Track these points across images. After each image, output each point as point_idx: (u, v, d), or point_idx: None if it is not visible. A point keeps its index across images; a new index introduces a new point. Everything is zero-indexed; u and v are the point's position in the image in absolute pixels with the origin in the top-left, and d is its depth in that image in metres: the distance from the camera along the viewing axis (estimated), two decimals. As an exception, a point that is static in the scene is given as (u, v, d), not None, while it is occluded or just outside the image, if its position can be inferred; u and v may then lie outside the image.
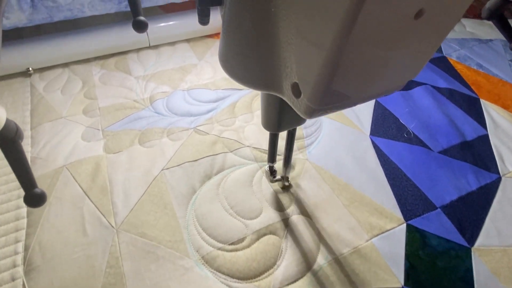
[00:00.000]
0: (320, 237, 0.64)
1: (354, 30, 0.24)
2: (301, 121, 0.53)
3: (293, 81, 0.32)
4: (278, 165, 0.73)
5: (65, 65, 1.04)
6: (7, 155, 0.40)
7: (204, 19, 0.47)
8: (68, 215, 0.66)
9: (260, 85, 0.37)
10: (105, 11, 0.96)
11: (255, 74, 0.36)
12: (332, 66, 0.27)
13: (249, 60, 0.36)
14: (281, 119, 0.49)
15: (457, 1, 0.28)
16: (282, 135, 0.62)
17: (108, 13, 0.98)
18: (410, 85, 1.03)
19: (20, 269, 0.59)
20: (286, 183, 0.72)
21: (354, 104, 0.35)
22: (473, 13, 1.42)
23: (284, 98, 0.36)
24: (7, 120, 0.37)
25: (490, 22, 1.39)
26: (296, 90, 0.32)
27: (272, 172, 0.67)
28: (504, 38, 1.27)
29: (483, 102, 1.00)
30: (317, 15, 0.25)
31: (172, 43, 1.16)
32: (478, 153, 0.84)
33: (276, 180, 0.70)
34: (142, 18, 0.57)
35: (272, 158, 0.64)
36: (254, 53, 0.34)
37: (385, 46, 0.28)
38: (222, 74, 1.05)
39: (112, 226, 0.64)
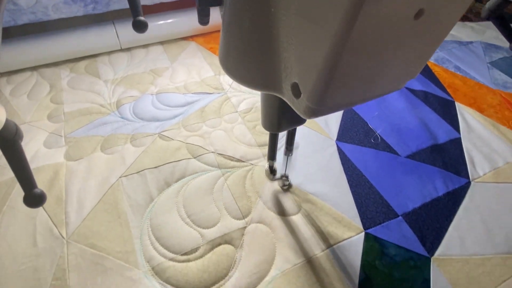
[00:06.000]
0: (275, 247, 0.63)
1: (354, 28, 0.23)
2: (301, 121, 0.53)
3: (293, 81, 0.32)
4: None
5: (34, 68, 1.03)
6: (7, 155, 0.40)
7: (204, 19, 0.48)
8: (20, 226, 0.64)
9: (260, 85, 0.37)
10: (72, 14, 0.95)
11: (255, 74, 0.36)
12: (332, 66, 0.27)
13: (249, 61, 0.35)
14: (281, 119, 0.49)
15: (457, 0, 0.28)
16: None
17: (76, 15, 0.96)
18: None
19: (-33, 282, 0.58)
20: (286, 182, 0.72)
21: (355, 104, 0.34)
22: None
23: (284, 98, 0.36)
24: (7, 120, 0.37)
25: (472, 24, 1.38)
26: (296, 90, 0.32)
27: (272, 170, 0.67)
28: (485, 41, 1.26)
29: (458, 105, 0.98)
30: (316, 15, 0.25)
31: (145, 46, 1.15)
32: (449, 156, 0.82)
33: (276, 179, 0.69)
34: (142, 18, 0.56)
35: (272, 156, 0.64)
36: (254, 53, 0.34)
37: (385, 45, 0.28)
38: (194, 77, 1.03)
39: (63, 237, 0.63)
